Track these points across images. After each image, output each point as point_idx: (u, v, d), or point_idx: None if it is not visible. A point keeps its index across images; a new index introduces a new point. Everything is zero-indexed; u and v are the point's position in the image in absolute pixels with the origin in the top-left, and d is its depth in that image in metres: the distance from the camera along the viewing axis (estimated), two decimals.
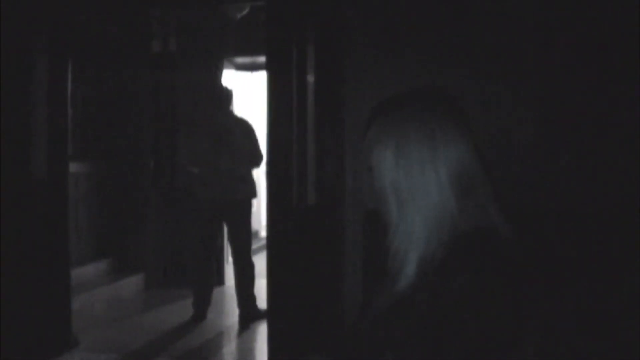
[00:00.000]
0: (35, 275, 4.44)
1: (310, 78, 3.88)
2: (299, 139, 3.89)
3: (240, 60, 7.61)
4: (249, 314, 5.62)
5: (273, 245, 4.04)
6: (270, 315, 4.15)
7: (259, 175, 7.20)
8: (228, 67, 7.45)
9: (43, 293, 4.49)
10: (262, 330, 5.23)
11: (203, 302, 5.73)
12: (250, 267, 5.67)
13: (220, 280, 6.99)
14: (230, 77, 7.42)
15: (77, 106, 6.27)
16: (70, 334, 4.78)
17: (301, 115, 3.89)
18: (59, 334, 4.68)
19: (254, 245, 7.00)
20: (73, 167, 5.39)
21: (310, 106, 3.88)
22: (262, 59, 6.16)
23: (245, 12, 6.53)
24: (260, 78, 8.19)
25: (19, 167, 4.41)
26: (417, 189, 1.39)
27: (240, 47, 7.22)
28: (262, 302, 5.30)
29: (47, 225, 4.58)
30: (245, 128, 5.69)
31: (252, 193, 5.73)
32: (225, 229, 6.00)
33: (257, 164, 5.72)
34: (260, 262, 5.95)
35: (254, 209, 5.96)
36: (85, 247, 6.35)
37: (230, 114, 5.74)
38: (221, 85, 6.14)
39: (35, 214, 4.48)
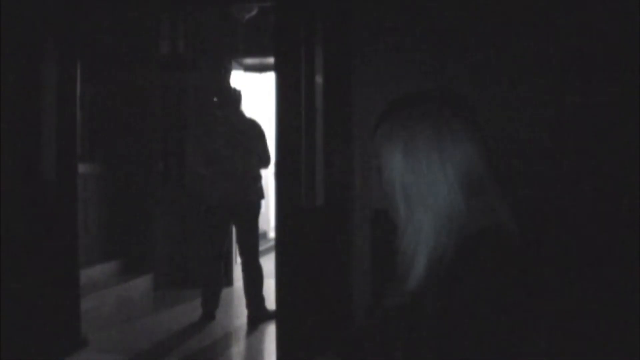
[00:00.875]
0: (45, 275, 4.46)
1: (319, 79, 3.88)
2: (307, 139, 3.89)
3: (248, 61, 7.62)
4: (257, 315, 5.63)
5: (282, 246, 4.04)
6: (278, 316, 4.15)
7: (267, 176, 7.21)
8: (237, 69, 7.47)
9: (52, 293, 4.50)
10: (270, 331, 5.23)
11: (212, 302, 5.73)
12: (259, 268, 5.68)
13: (228, 281, 7.00)
14: (239, 78, 7.43)
15: (86, 108, 6.28)
16: (79, 334, 4.80)
17: (309, 115, 3.89)
18: (68, 334, 4.69)
19: (263, 246, 7.01)
20: (82, 168, 5.40)
21: (319, 107, 3.88)
22: (270, 60, 6.17)
23: (253, 13, 6.54)
24: (268, 79, 8.20)
25: (28, 168, 4.43)
26: (426, 189, 1.39)
27: (248, 48, 7.23)
28: (270, 303, 5.31)
29: (57, 226, 4.59)
30: (254, 129, 5.69)
31: (261, 194, 5.74)
32: (234, 230, 6.01)
33: (266, 165, 5.73)
34: (268, 263, 5.95)
35: (263, 209, 5.96)
36: (94, 248, 6.36)
37: (240, 114, 5.74)
38: (230, 86, 6.14)
39: (45, 215, 4.50)
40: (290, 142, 3.92)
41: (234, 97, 5.70)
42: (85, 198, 6.09)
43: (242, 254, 5.73)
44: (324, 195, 3.85)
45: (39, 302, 4.40)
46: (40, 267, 4.43)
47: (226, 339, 5.35)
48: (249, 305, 5.66)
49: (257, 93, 8.87)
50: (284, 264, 4.02)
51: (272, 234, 9.46)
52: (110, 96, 6.77)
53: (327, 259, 3.83)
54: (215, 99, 5.76)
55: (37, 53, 4.45)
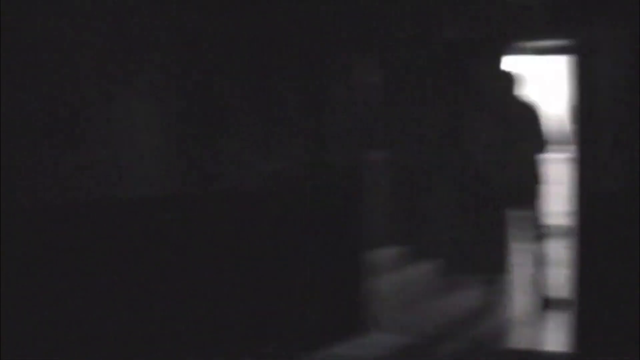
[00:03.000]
0: (333, 258, 4.72)
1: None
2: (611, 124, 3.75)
3: (531, 44, 7.41)
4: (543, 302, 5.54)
5: (582, 232, 3.95)
6: (577, 304, 4.05)
7: (550, 160, 6.95)
8: (518, 53, 7.28)
9: (340, 275, 4.76)
10: (557, 319, 5.14)
11: (495, 289, 5.74)
12: (544, 253, 5.58)
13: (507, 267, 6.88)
14: (524, 62, 7.24)
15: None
16: (367, 315, 5.00)
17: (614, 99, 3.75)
18: (357, 315, 4.93)
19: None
20: (372, 155, 5.56)
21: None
22: (551, 42, 5.97)
23: None
24: (556, 62, 7.92)
25: (318, 155, 4.69)
26: None
27: (527, 31, 7.01)
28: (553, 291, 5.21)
29: (344, 211, 4.83)
30: (530, 113, 5.62)
31: (539, 179, 5.63)
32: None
33: (540, 149, 5.60)
34: (552, 251, 5.83)
35: (543, 195, 5.83)
36: (379, 233, 6.52)
37: (515, 98, 5.68)
38: (506, 70, 6.06)
39: (335, 201, 4.75)
40: (591, 127, 3.80)
41: (510, 81, 5.65)
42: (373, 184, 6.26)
43: (526, 240, 5.66)
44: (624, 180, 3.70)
45: (324, 285, 4.65)
46: (328, 250, 4.69)
47: (513, 325, 5.28)
48: (540, 291, 5.57)
49: (539, 76, 8.63)
50: (584, 250, 3.91)
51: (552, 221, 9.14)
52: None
53: (629, 246, 3.67)
54: (492, 84, 5.73)
55: None
